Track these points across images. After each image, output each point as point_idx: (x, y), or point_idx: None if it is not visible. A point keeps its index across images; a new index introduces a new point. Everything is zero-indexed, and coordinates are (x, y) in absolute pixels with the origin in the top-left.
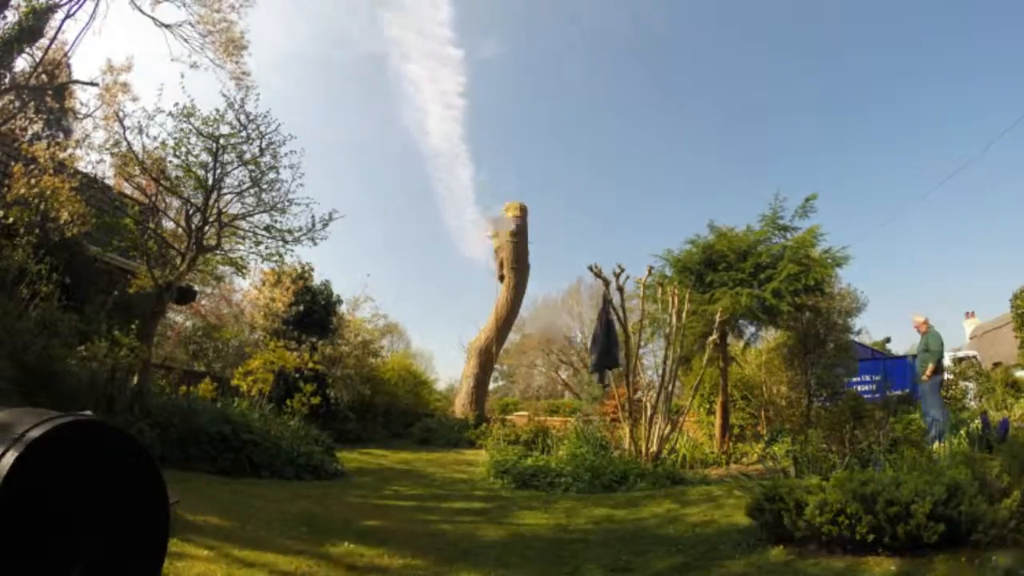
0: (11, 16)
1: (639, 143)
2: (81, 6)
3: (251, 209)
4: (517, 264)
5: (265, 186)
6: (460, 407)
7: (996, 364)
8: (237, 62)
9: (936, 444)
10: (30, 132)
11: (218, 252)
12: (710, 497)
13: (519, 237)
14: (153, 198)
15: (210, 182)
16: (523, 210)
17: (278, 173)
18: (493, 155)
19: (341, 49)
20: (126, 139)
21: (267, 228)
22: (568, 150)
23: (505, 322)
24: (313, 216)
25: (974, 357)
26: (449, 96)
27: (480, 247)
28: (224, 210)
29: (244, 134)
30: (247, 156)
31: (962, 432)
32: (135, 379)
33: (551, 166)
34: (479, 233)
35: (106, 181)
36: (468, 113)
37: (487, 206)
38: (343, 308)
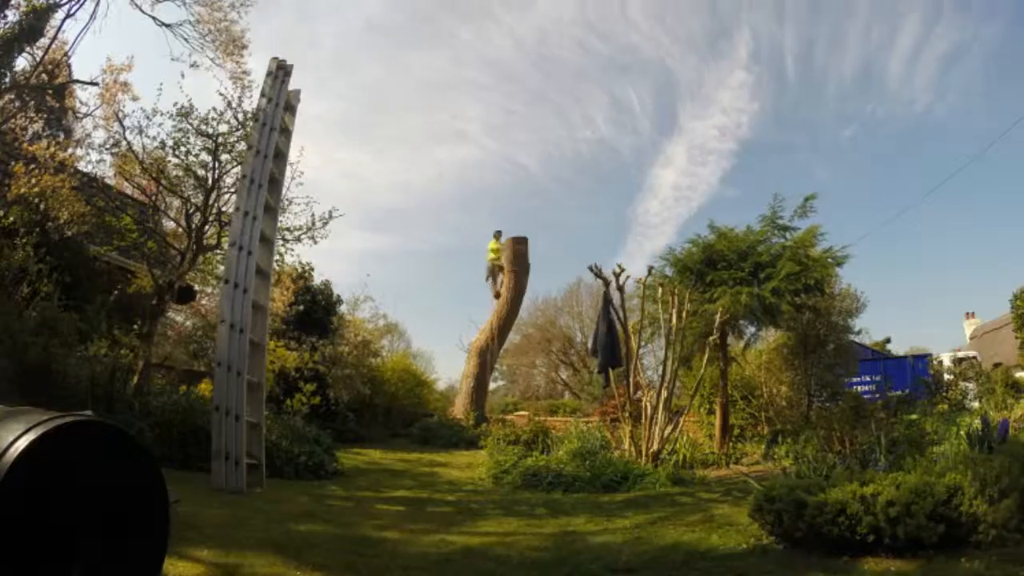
0: (11, 16)
1: None
2: (81, 5)
3: None
4: (517, 266)
5: None
6: (460, 407)
7: (996, 364)
8: (237, 61)
9: None
10: (30, 131)
11: (218, 251)
12: (710, 498)
13: (521, 245)
14: (153, 198)
15: (210, 181)
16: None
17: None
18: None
19: (614, 161)
20: (126, 139)
21: None
22: None
23: (505, 322)
24: (313, 215)
25: (974, 358)
26: (688, 200)
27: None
28: (224, 209)
29: (242, 132)
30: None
31: (962, 433)
32: (135, 379)
33: None
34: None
35: (106, 181)
36: (693, 215)
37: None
38: (343, 308)
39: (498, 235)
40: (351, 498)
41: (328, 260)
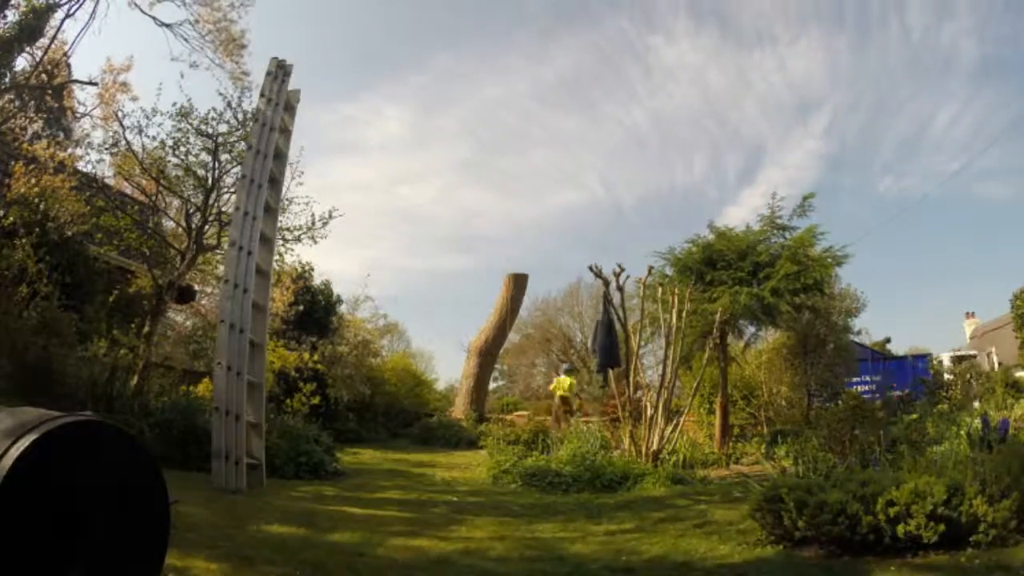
0: (11, 16)
1: None
2: (81, 5)
3: None
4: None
5: None
6: (460, 407)
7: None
8: (237, 61)
9: None
10: (30, 131)
11: (218, 251)
12: (709, 498)
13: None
14: (153, 198)
15: (210, 181)
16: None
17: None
18: None
19: (696, 205)
20: (126, 139)
21: None
22: None
23: (505, 322)
24: (313, 214)
25: (974, 357)
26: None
27: None
28: (224, 209)
29: (242, 133)
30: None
31: (962, 432)
32: (135, 379)
33: None
34: None
35: (106, 181)
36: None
37: None
38: (343, 308)
39: (571, 372)
40: (351, 498)
41: (414, 277)
